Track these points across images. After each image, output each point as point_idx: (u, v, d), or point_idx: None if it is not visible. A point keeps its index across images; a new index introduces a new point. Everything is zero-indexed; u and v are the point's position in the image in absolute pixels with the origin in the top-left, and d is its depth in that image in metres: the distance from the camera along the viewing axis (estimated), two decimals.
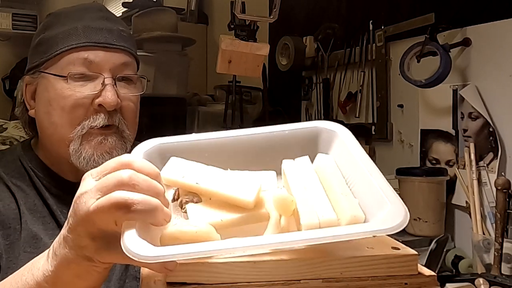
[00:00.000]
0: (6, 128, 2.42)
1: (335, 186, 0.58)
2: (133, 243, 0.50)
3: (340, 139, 0.67)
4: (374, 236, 0.50)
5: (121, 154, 0.96)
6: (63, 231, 0.60)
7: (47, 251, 0.64)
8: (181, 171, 0.60)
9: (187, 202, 0.59)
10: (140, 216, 0.53)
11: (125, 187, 0.54)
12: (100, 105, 0.95)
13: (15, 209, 0.93)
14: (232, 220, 0.56)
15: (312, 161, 0.65)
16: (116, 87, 0.96)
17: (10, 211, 0.93)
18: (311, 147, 0.69)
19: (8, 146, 2.23)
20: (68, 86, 0.95)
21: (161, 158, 0.66)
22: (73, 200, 0.58)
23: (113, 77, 0.97)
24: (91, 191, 0.56)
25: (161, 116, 2.76)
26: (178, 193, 0.61)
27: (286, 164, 0.64)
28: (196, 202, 0.59)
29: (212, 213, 0.57)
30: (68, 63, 0.95)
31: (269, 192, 0.59)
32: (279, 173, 0.66)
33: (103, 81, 0.95)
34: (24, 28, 3.97)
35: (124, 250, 0.50)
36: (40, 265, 0.63)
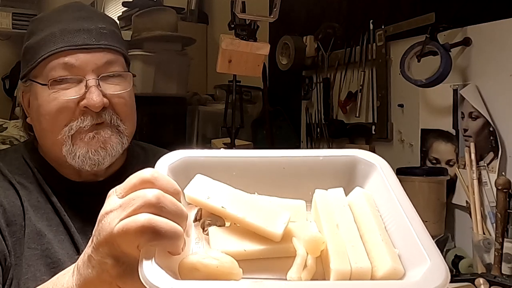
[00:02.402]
0: (6, 128, 2.43)
1: (374, 230, 0.54)
2: (152, 273, 0.48)
3: (379, 173, 0.62)
4: None
5: (117, 148, 0.97)
6: (87, 249, 0.57)
7: (72, 266, 0.61)
8: (207, 192, 0.57)
9: (209, 225, 0.56)
10: (164, 244, 0.51)
11: (152, 209, 0.51)
12: (86, 107, 0.94)
13: (19, 206, 0.94)
14: (255, 251, 0.53)
15: (346, 193, 0.61)
16: (101, 87, 0.95)
17: (15, 208, 0.93)
18: (346, 178, 0.64)
19: (8, 146, 2.23)
20: (52, 92, 0.94)
21: (186, 172, 0.62)
22: (98, 219, 0.56)
23: (97, 77, 0.95)
24: (116, 210, 0.53)
25: (161, 116, 2.76)
26: (201, 214, 0.59)
27: (319, 195, 0.60)
28: (219, 226, 0.56)
29: (235, 241, 0.54)
30: (50, 70, 0.95)
31: (297, 225, 0.56)
32: (308, 200, 0.61)
33: (86, 83, 0.94)
34: (24, 27, 3.98)
35: (141, 280, 0.48)
36: (65, 281, 0.61)
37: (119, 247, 0.53)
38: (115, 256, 0.54)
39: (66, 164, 0.97)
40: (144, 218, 0.51)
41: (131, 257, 0.53)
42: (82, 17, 0.99)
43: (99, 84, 0.95)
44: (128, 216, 0.52)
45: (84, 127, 0.94)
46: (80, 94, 0.94)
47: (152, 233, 0.50)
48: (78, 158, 0.94)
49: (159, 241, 0.50)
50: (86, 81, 0.94)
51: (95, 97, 0.93)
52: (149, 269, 0.48)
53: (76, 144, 0.95)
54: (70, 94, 0.94)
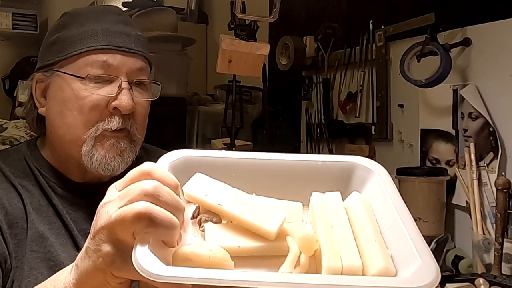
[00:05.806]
0: (6, 128, 2.42)
1: (368, 231, 0.55)
2: (144, 259, 0.49)
3: (376, 179, 0.63)
4: None
5: (131, 156, 0.99)
6: (85, 243, 0.59)
7: (71, 264, 0.63)
8: (205, 189, 0.58)
9: (206, 221, 0.57)
10: (159, 232, 0.52)
11: (149, 198, 0.53)
12: (115, 108, 0.95)
13: (21, 208, 0.93)
14: (249, 248, 0.54)
15: (343, 198, 0.61)
16: (132, 91, 0.97)
17: (17, 210, 0.93)
18: (343, 183, 0.65)
19: (8, 146, 2.23)
20: (85, 87, 0.95)
21: (186, 170, 0.63)
22: (97, 210, 0.57)
23: (129, 81, 0.97)
24: (114, 200, 0.55)
25: (161, 116, 2.75)
26: (199, 211, 0.60)
27: (316, 197, 0.61)
28: (216, 223, 0.57)
29: (230, 237, 0.55)
30: (86, 64, 0.95)
31: (293, 225, 0.57)
32: (305, 204, 0.62)
33: (120, 85, 0.96)
34: (24, 27, 3.97)
35: (134, 264, 0.49)
36: (63, 277, 0.63)
37: (115, 234, 0.54)
38: (111, 243, 0.55)
39: (73, 162, 0.98)
40: (141, 205, 0.52)
41: (126, 244, 0.54)
42: (123, 21, 1.01)
43: (131, 87, 0.97)
44: (125, 205, 0.53)
45: (110, 128, 0.95)
46: (112, 94, 0.95)
47: (148, 220, 0.52)
48: (96, 160, 0.95)
49: (154, 229, 0.52)
50: (121, 82, 0.96)
51: (127, 99, 0.95)
52: (142, 255, 0.49)
53: (95, 147, 0.95)
54: (103, 92, 0.95)
